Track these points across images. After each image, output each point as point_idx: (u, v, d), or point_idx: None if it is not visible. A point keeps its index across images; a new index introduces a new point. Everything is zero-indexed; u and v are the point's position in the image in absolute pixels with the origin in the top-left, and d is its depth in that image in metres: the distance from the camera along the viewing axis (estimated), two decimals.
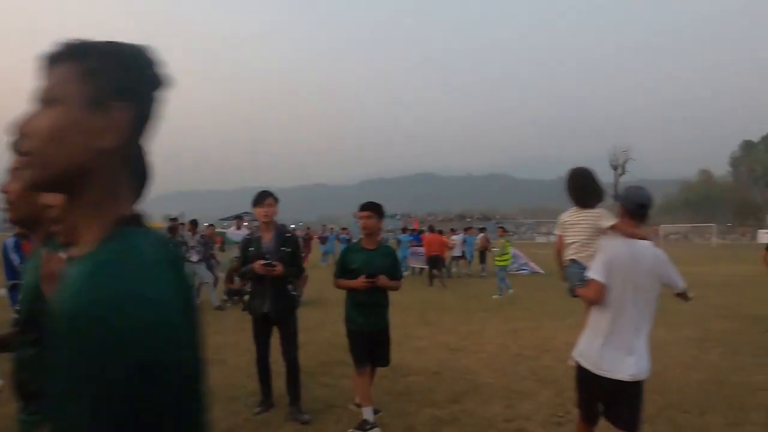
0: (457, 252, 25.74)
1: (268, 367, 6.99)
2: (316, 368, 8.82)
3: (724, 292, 19.31)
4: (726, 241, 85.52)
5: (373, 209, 6.41)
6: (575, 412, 5.09)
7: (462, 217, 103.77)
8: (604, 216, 6.13)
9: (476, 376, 8.68)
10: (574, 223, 6.60)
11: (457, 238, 26.15)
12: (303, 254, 26.11)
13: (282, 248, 6.65)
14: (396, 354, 8.94)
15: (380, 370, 7.39)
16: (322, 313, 13.92)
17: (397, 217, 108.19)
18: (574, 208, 6.62)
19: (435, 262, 22.01)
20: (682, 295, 4.82)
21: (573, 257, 6.66)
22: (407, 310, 14.54)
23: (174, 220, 16.77)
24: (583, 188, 6.44)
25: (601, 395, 4.56)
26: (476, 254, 26.68)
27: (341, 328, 10.30)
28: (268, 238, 6.73)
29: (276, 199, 6.76)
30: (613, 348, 4.43)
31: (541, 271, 27.01)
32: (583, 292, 4.77)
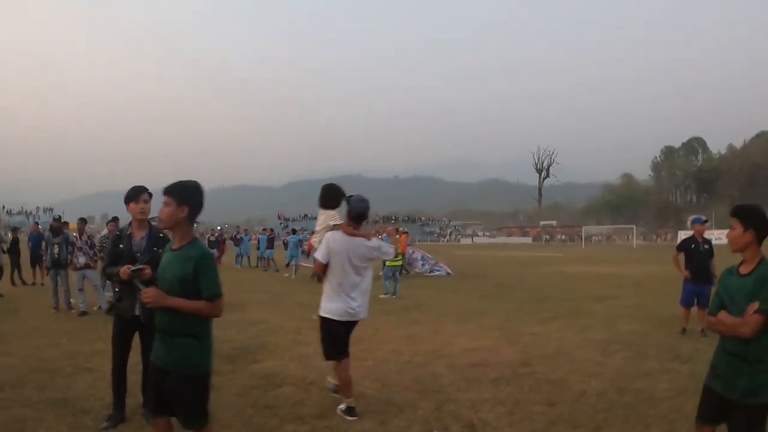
0: None
1: (124, 376, 6.49)
2: None
3: (639, 292, 19.02)
4: (646, 242, 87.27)
5: (172, 193, 4.29)
6: (451, 429, 6.11)
7: (388, 218, 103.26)
8: (334, 216, 7.39)
9: (354, 386, 7.70)
10: (319, 220, 7.68)
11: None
12: (218, 255, 25.28)
13: (154, 248, 6.13)
14: (278, 361, 9.06)
15: (252, 379, 7.81)
16: (219, 319, 12.76)
17: None
18: (321, 209, 7.67)
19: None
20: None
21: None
22: (306, 312, 13.54)
23: (82, 220, 15.53)
24: (325, 194, 7.56)
25: (340, 333, 6.73)
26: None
27: (231, 335, 10.73)
28: (139, 237, 6.30)
29: (151, 195, 6.31)
30: (345, 303, 6.61)
31: (452, 273, 26.70)
32: (317, 268, 6.92)
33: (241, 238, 34.44)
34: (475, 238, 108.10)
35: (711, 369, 4.23)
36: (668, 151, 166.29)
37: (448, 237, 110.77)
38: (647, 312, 14.30)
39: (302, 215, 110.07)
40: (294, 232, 31.28)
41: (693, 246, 11.54)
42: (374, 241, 6.98)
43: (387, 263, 18.38)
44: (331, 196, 7.50)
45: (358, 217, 6.78)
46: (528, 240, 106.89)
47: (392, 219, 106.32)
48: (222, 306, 4.29)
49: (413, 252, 27.41)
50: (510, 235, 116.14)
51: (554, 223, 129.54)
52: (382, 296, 17.47)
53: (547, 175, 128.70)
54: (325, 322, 6.72)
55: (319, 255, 6.69)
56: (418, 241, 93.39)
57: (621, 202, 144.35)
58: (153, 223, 6.47)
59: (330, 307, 6.65)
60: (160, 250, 5.92)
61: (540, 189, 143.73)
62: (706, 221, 12.08)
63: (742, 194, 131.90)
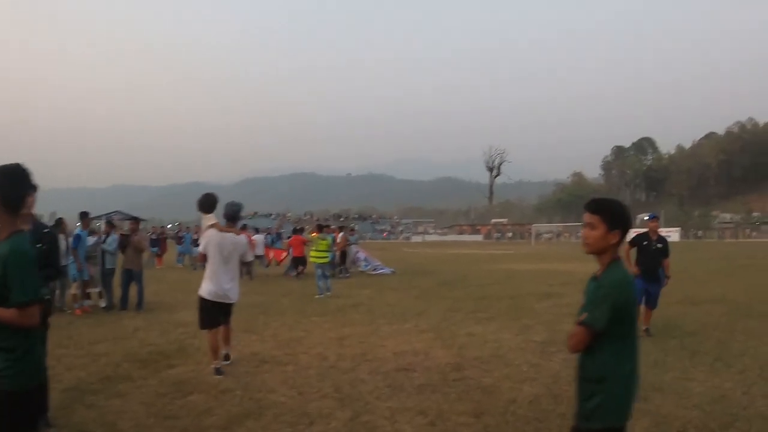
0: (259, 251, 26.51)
1: None
2: (93, 385, 7.69)
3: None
4: None
5: None
6: None
7: (338, 216, 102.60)
8: (211, 218, 8.58)
9: (269, 393, 7.31)
10: (203, 222, 8.81)
11: (257, 238, 27.05)
12: (159, 253, 24.58)
13: (37, 245, 5.80)
14: (194, 366, 8.68)
15: (162, 386, 7.56)
16: (146, 319, 12.97)
17: (272, 216, 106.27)
18: (203, 214, 8.75)
19: (298, 261, 24.01)
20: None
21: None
22: (234, 315, 12.71)
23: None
24: (204, 202, 8.59)
25: (212, 310, 8.31)
26: (337, 254, 25.25)
27: (153, 337, 10.76)
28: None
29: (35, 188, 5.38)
30: (217, 286, 8.23)
31: (389, 272, 26.07)
32: (199, 258, 9.50)
33: (183, 236, 33.48)
34: (426, 236, 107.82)
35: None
36: (618, 151, 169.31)
37: (395, 234, 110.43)
38: None
39: (252, 213, 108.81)
40: (257, 231, 30.62)
41: (645, 243, 11.13)
42: (241, 237, 8.88)
43: (312, 260, 18.04)
44: (208, 203, 8.70)
45: (230, 218, 8.80)
46: (479, 238, 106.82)
47: (341, 217, 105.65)
48: (36, 314, 3.39)
49: (357, 251, 26.81)
50: (461, 233, 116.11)
51: (505, 220, 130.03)
52: (317, 297, 16.87)
53: (499, 174, 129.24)
54: (201, 300, 8.37)
55: (201, 248, 8.61)
56: (370, 239, 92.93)
57: (572, 200, 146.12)
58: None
59: (206, 288, 8.30)
60: (43, 247, 5.81)
61: (491, 187, 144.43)
62: (657, 217, 11.83)
63: (691, 193, 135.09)
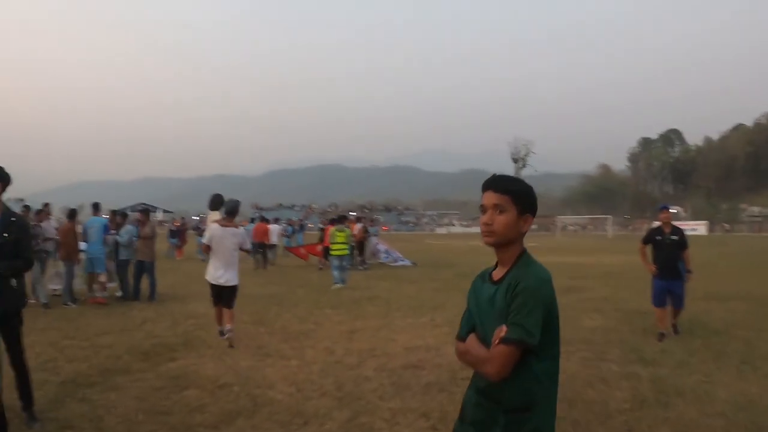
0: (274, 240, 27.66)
1: None
2: (91, 378, 7.46)
3: (608, 284, 18.12)
4: (623, 232, 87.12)
5: None
6: None
7: (364, 208, 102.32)
8: (216, 215, 10.57)
9: (267, 390, 7.00)
10: (208, 218, 10.77)
11: (273, 228, 28.01)
12: (179, 245, 24.66)
13: (4, 234, 5.57)
14: (196, 360, 8.42)
15: (159, 380, 7.34)
16: (156, 311, 12.73)
17: (296, 208, 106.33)
18: (209, 211, 11.20)
19: (261, 247, 25.28)
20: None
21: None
22: (247, 306, 12.69)
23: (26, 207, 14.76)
24: (211, 201, 10.79)
25: (215, 291, 9.75)
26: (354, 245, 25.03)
27: (160, 329, 10.71)
28: None
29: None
30: (218, 271, 9.62)
31: (410, 264, 25.77)
32: (203, 248, 10.83)
33: (204, 228, 33.46)
34: (450, 228, 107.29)
35: (461, 410, 2.97)
36: (645, 143, 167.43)
37: (421, 226, 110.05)
38: (614, 306, 13.36)
39: (277, 204, 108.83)
40: (272, 221, 30.93)
41: (658, 237, 10.23)
42: (239, 230, 10.25)
43: (331, 252, 17.96)
44: (215, 202, 10.77)
45: (230, 213, 10.12)
46: None
47: (367, 209, 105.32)
48: None
49: (377, 243, 26.49)
50: None
51: None
52: (333, 287, 16.68)
53: (524, 165, 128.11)
54: (209, 285, 9.83)
55: (205, 240, 10.12)
56: (395, 230, 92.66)
57: (598, 192, 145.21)
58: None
59: (211, 274, 9.73)
60: (11, 237, 5.60)
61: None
62: (668, 208, 10.58)
63: (718, 186, 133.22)
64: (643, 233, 10.89)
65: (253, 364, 8.17)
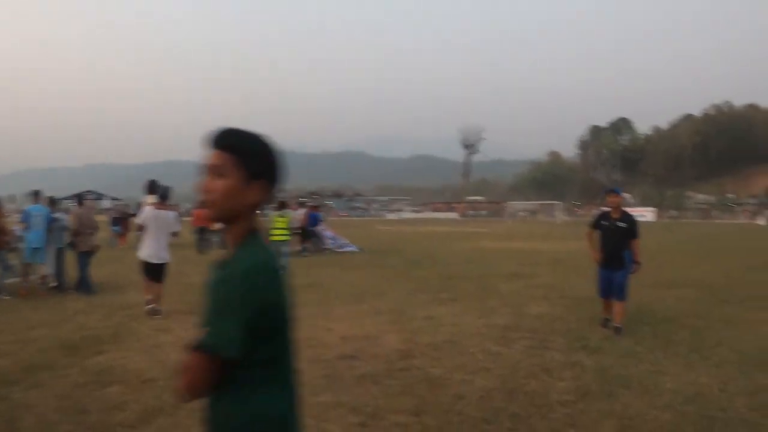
0: None
1: None
2: (14, 375, 7.06)
3: (556, 270, 17.96)
4: (571, 218, 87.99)
5: None
6: None
7: (314, 194, 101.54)
8: (151, 198, 11.34)
9: None
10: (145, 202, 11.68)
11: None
12: (122, 232, 24.41)
13: None
14: (124, 353, 7.96)
15: (83, 375, 6.93)
16: (90, 302, 12.06)
17: None
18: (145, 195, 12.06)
19: (202, 231, 25.22)
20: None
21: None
22: (185, 294, 12.27)
23: None
24: (147, 187, 11.91)
25: (149, 268, 10.59)
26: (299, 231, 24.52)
27: (93, 320, 10.26)
28: None
29: None
30: (150, 249, 10.59)
31: (356, 250, 25.35)
32: (136, 228, 11.60)
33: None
34: (400, 214, 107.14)
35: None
36: (595, 131, 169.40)
37: (370, 212, 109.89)
38: (560, 293, 13.13)
39: None
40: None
41: (605, 223, 9.43)
42: (170, 213, 11.20)
43: (272, 238, 17.25)
44: (151, 187, 11.73)
45: (162, 197, 11.11)
46: (454, 215, 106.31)
47: (314, 195, 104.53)
48: None
49: (323, 229, 26.04)
50: (436, 211, 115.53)
51: (481, 198, 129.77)
52: None
53: (475, 152, 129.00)
54: (142, 262, 10.68)
55: (138, 220, 11.07)
56: (346, 217, 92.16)
57: (547, 179, 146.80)
58: None
59: (144, 252, 10.62)
60: None
61: (467, 165, 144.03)
62: (617, 192, 9.65)
63: (666, 174, 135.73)
64: (592, 219, 10.25)
65: (182, 356, 7.70)
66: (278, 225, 17.06)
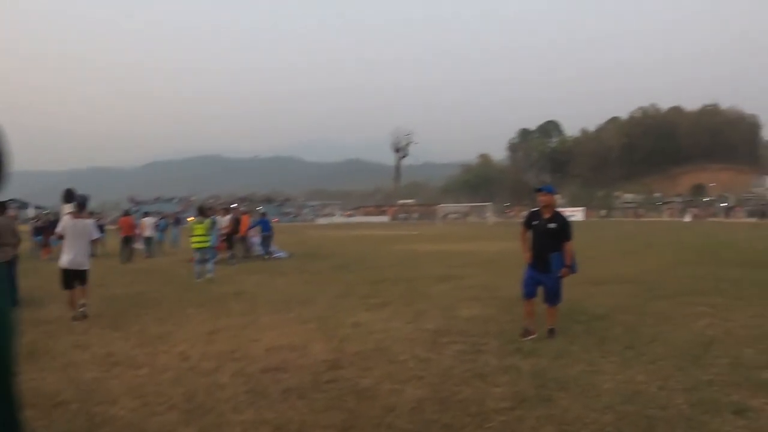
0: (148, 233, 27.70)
1: None
2: None
3: (487, 271, 17.83)
4: (502, 219, 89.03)
5: None
6: None
7: (244, 199, 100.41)
8: (68, 207, 12.02)
9: (110, 406, 6.13)
10: (62, 211, 13.12)
11: (147, 221, 28.28)
12: (44, 243, 23.69)
13: None
14: (38, 373, 7.29)
15: None
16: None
17: (175, 200, 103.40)
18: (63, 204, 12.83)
19: (127, 241, 25.34)
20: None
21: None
22: (107, 308, 11.89)
23: None
24: (64, 196, 12.35)
25: (72, 277, 10.80)
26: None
27: None
28: None
29: None
30: (72, 257, 10.80)
31: (285, 256, 25.05)
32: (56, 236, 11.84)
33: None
34: (332, 218, 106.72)
35: None
36: (524, 133, 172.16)
37: (302, 217, 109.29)
38: (492, 294, 12.97)
39: (155, 198, 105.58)
40: (146, 215, 30.98)
41: (535, 222, 8.95)
42: (88, 221, 11.42)
43: (192, 245, 17.18)
44: (67, 196, 12.05)
45: (80, 206, 11.28)
46: (385, 219, 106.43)
47: (247, 200, 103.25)
48: None
49: (252, 236, 25.52)
50: (368, 215, 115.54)
51: (412, 201, 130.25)
52: (195, 281, 16.21)
53: (405, 155, 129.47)
54: (61, 270, 10.93)
55: (58, 230, 11.11)
56: (275, 221, 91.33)
57: (477, 182, 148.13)
58: None
59: (64, 259, 10.88)
60: None
61: (398, 168, 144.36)
62: (549, 191, 9.13)
63: (594, 175, 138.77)
64: (522, 220, 9.76)
65: (98, 375, 7.22)
66: (197, 232, 16.73)
